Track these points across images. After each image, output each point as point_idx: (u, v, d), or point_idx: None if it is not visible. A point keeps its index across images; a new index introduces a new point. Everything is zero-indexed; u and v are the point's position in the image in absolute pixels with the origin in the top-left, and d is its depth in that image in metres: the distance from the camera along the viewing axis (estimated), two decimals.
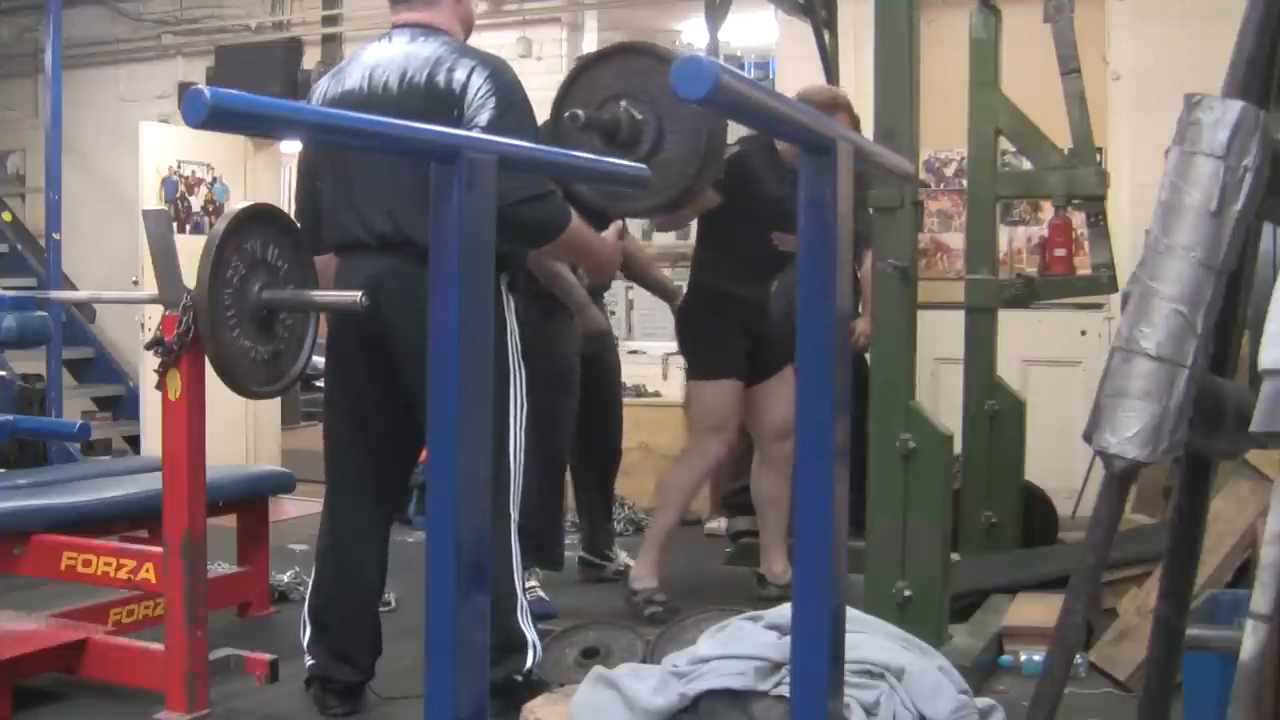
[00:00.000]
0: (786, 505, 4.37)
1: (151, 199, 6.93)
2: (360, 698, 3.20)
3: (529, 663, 3.01)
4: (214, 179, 7.41)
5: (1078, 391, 5.70)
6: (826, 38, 4.51)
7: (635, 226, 5.68)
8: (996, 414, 4.59)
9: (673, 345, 5.07)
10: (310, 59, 7.39)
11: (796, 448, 1.54)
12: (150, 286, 3.32)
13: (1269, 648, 1.44)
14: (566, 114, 3.22)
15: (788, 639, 1.97)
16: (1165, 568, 1.74)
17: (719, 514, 5.86)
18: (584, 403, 4.39)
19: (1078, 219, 4.87)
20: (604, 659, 3.18)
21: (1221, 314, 1.43)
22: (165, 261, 3.05)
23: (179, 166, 7.22)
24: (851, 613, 2.37)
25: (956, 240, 6.18)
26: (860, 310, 4.72)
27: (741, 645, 2.49)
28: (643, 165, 2.18)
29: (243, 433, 7.36)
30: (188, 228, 7.13)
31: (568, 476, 4.64)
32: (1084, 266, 4.88)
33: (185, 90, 1.89)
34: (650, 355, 6.92)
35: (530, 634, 3.02)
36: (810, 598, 1.53)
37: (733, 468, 5.82)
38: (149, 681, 3.15)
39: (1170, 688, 1.79)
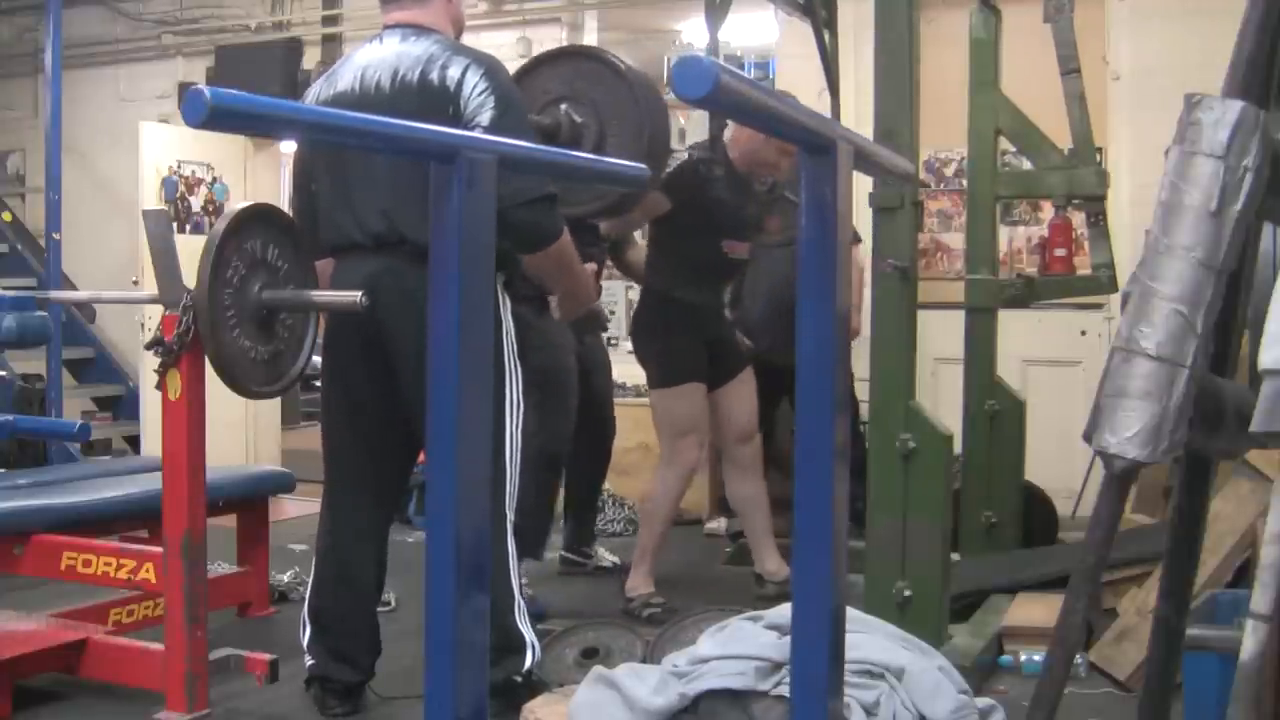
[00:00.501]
0: (765, 503, 4.42)
1: (151, 199, 6.93)
2: (360, 698, 3.20)
3: (528, 663, 3.01)
4: (214, 179, 7.41)
5: (1078, 391, 5.70)
6: (826, 38, 4.50)
7: None
8: (996, 414, 4.59)
9: None
10: (310, 59, 7.39)
11: (796, 447, 1.54)
12: (150, 286, 3.32)
13: (1269, 648, 1.44)
14: None
15: (788, 639, 1.97)
16: (1165, 568, 1.74)
17: (718, 514, 5.86)
18: (580, 402, 4.40)
19: (1078, 219, 4.87)
20: (604, 659, 3.18)
21: (1221, 314, 1.43)
22: (165, 261, 3.05)
23: (179, 166, 7.23)
24: (851, 613, 2.37)
25: (956, 240, 6.18)
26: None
27: (741, 645, 2.49)
28: (643, 165, 2.18)
29: (243, 433, 7.36)
30: (188, 228, 7.14)
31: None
32: (1084, 266, 4.88)
33: (185, 90, 1.89)
34: None
35: (529, 634, 3.02)
36: (810, 598, 1.53)
37: None
38: (149, 681, 3.15)
39: (1170, 688, 1.79)
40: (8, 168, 8.70)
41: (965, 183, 4.98)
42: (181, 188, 7.23)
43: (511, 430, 3.08)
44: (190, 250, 3.10)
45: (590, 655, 3.27)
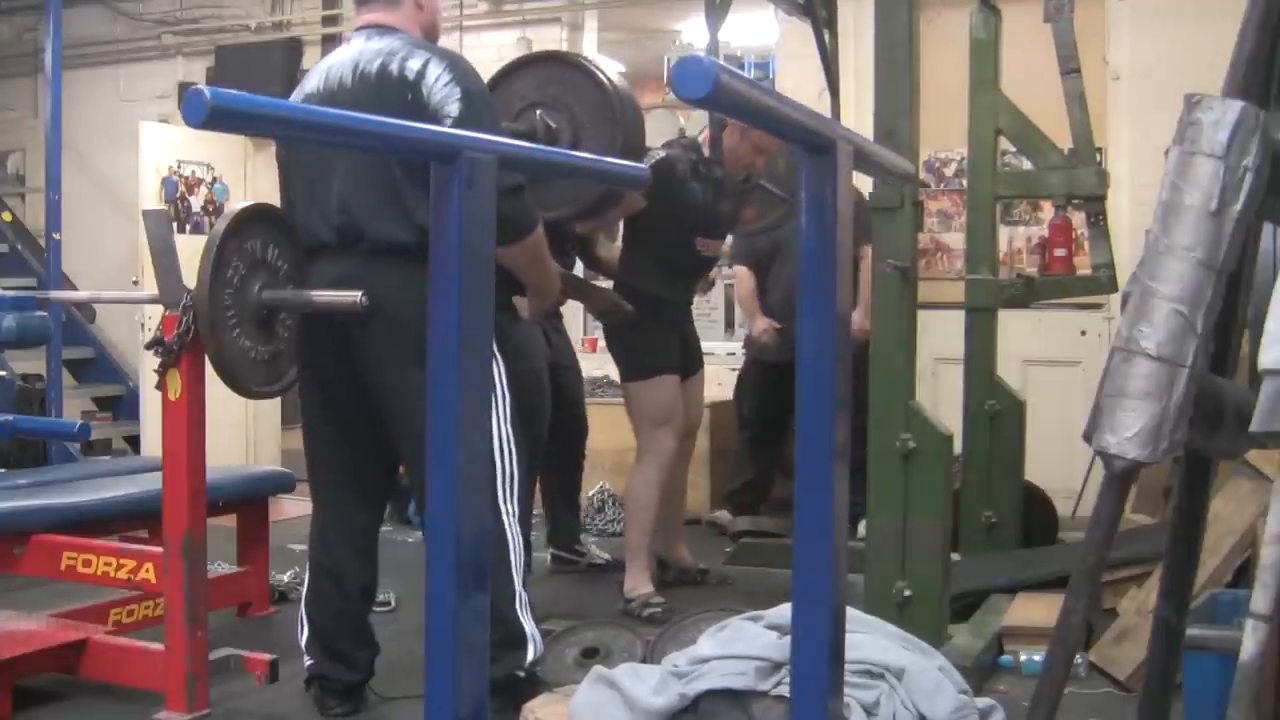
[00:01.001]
0: (684, 494, 4.71)
1: (151, 199, 6.93)
2: (360, 697, 3.20)
3: (530, 657, 3.00)
4: (214, 179, 7.41)
5: (1078, 391, 5.70)
6: (826, 38, 4.50)
7: None
8: (996, 414, 4.59)
9: None
10: (310, 59, 7.38)
11: (796, 447, 1.54)
12: (150, 286, 3.32)
13: (1269, 648, 1.44)
14: None
15: (788, 639, 1.97)
16: (1165, 568, 1.74)
17: (722, 506, 5.87)
18: (552, 404, 4.41)
19: (1078, 219, 4.87)
20: (604, 659, 3.18)
21: (1221, 314, 1.43)
22: (165, 261, 3.05)
23: (179, 166, 7.23)
24: (851, 613, 2.37)
25: (956, 240, 6.18)
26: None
27: (741, 645, 2.49)
28: (641, 165, 2.19)
29: (243, 433, 7.37)
30: (188, 228, 7.14)
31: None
32: (1084, 266, 4.88)
33: (185, 90, 1.89)
34: None
35: (529, 627, 3.01)
36: (810, 598, 1.53)
37: (736, 464, 5.86)
38: (149, 681, 3.15)
39: (1170, 688, 1.79)
40: (8, 168, 8.70)
41: (965, 183, 4.98)
42: (181, 188, 7.24)
43: (500, 423, 3.07)
44: (190, 250, 3.11)
45: (590, 655, 3.27)
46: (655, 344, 4.23)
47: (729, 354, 6.62)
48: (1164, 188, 1.41)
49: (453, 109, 2.91)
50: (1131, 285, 1.42)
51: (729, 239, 5.04)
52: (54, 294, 5.52)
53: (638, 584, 4.20)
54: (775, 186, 4.55)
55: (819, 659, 1.52)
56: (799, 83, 5.76)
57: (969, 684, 2.57)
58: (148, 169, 7.08)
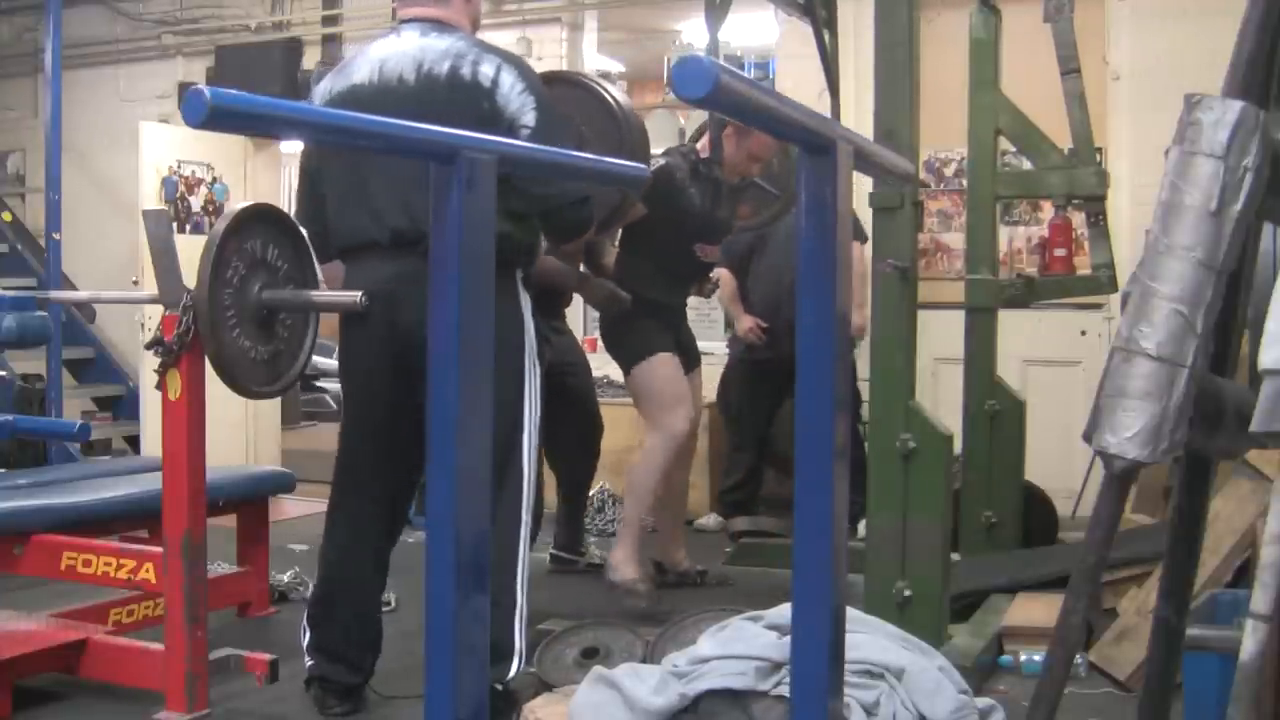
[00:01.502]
0: (684, 497, 4.68)
1: (151, 199, 6.93)
2: (360, 697, 3.20)
3: (512, 672, 2.99)
4: (214, 179, 7.41)
5: (1078, 391, 5.70)
6: (826, 38, 4.50)
7: None
8: (996, 414, 4.59)
9: None
10: (310, 59, 7.39)
11: (796, 447, 1.54)
12: (150, 286, 3.32)
13: (1269, 648, 1.44)
14: None
15: (788, 639, 1.98)
16: (1165, 568, 1.74)
17: (715, 511, 5.88)
18: (557, 403, 4.41)
19: (1078, 219, 4.87)
20: (604, 659, 3.18)
21: (1221, 314, 1.43)
22: (165, 261, 3.05)
23: (179, 166, 7.22)
24: (851, 613, 2.37)
25: (956, 240, 6.18)
26: None
27: (741, 645, 2.49)
28: (641, 166, 2.19)
29: (243, 433, 7.36)
30: (188, 228, 7.13)
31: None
32: (1084, 266, 4.88)
33: (185, 90, 1.89)
34: None
35: (519, 642, 3.01)
36: (810, 598, 1.53)
37: (726, 465, 5.88)
38: (149, 681, 3.15)
39: (1170, 688, 1.79)
40: (8, 168, 8.70)
41: (965, 183, 4.98)
42: (181, 188, 7.23)
43: (530, 432, 3.06)
44: (190, 250, 3.11)
45: (590, 655, 3.27)
46: (652, 330, 4.23)
47: (727, 350, 6.63)
48: (1164, 188, 1.41)
49: (529, 119, 2.92)
50: (1131, 285, 1.42)
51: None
52: (54, 294, 5.53)
53: (622, 565, 4.12)
54: (769, 184, 4.57)
55: (819, 659, 1.52)
56: (799, 83, 5.76)
57: (969, 684, 2.57)
58: (148, 169, 7.07)
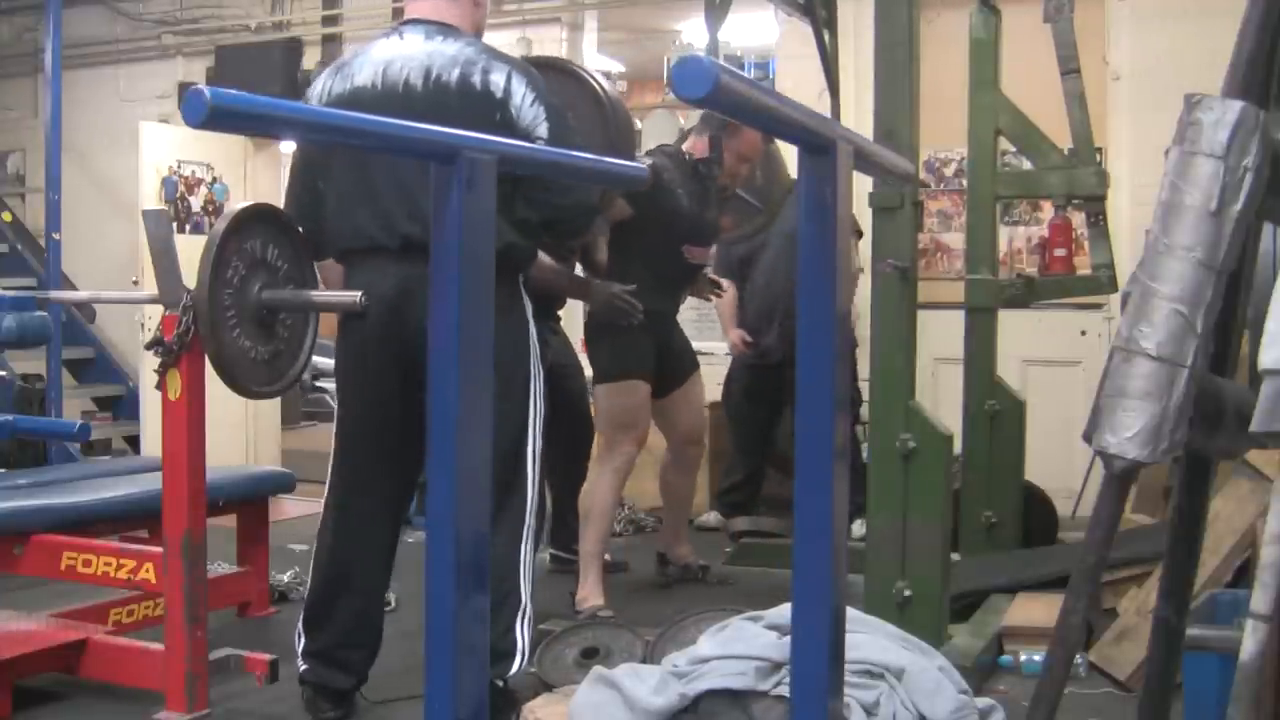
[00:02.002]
0: (692, 498, 4.74)
1: (151, 199, 6.93)
2: (352, 702, 3.17)
3: (513, 669, 2.99)
4: (214, 179, 7.41)
5: (1078, 391, 5.70)
6: (826, 38, 4.50)
7: None
8: (996, 414, 4.59)
9: None
10: (310, 59, 7.40)
11: (796, 447, 1.54)
12: (150, 286, 3.32)
13: (1269, 648, 1.44)
14: None
15: (788, 639, 1.98)
16: (1165, 568, 1.74)
17: (713, 508, 5.89)
18: (552, 404, 4.42)
19: (1078, 219, 4.87)
20: (604, 659, 3.18)
21: (1221, 314, 1.43)
22: (165, 261, 3.05)
23: (179, 166, 7.23)
24: (851, 613, 2.37)
25: (956, 240, 6.18)
26: None
27: (741, 645, 2.49)
28: (642, 165, 2.19)
29: (243, 433, 7.37)
30: (188, 228, 7.14)
31: None
32: (1084, 266, 4.88)
33: (185, 90, 1.89)
34: None
35: (522, 642, 3.00)
36: (810, 598, 1.53)
37: (727, 465, 5.88)
38: (149, 681, 3.15)
39: (1170, 688, 1.79)
40: (8, 168, 8.70)
41: (965, 183, 4.98)
42: (181, 188, 7.23)
43: (534, 436, 3.05)
44: (190, 250, 3.10)
45: (590, 655, 3.27)
46: (630, 348, 4.20)
47: (728, 354, 6.63)
48: (1164, 188, 1.41)
49: (542, 130, 2.92)
50: (1131, 285, 1.42)
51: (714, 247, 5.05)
52: (54, 294, 5.53)
53: (588, 594, 4.13)
54: (752, 197, 4.58)
55: (819, 659, 1.52)
56: (799, 83, 5.76)
57: (969, 684, 2.57)
58: (148, 169, 7.07)
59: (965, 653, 3.28)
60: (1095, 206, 4.55)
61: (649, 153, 4.38)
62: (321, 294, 3.11)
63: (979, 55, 4.57)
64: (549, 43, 7.01)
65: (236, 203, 4.68)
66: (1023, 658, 3.52)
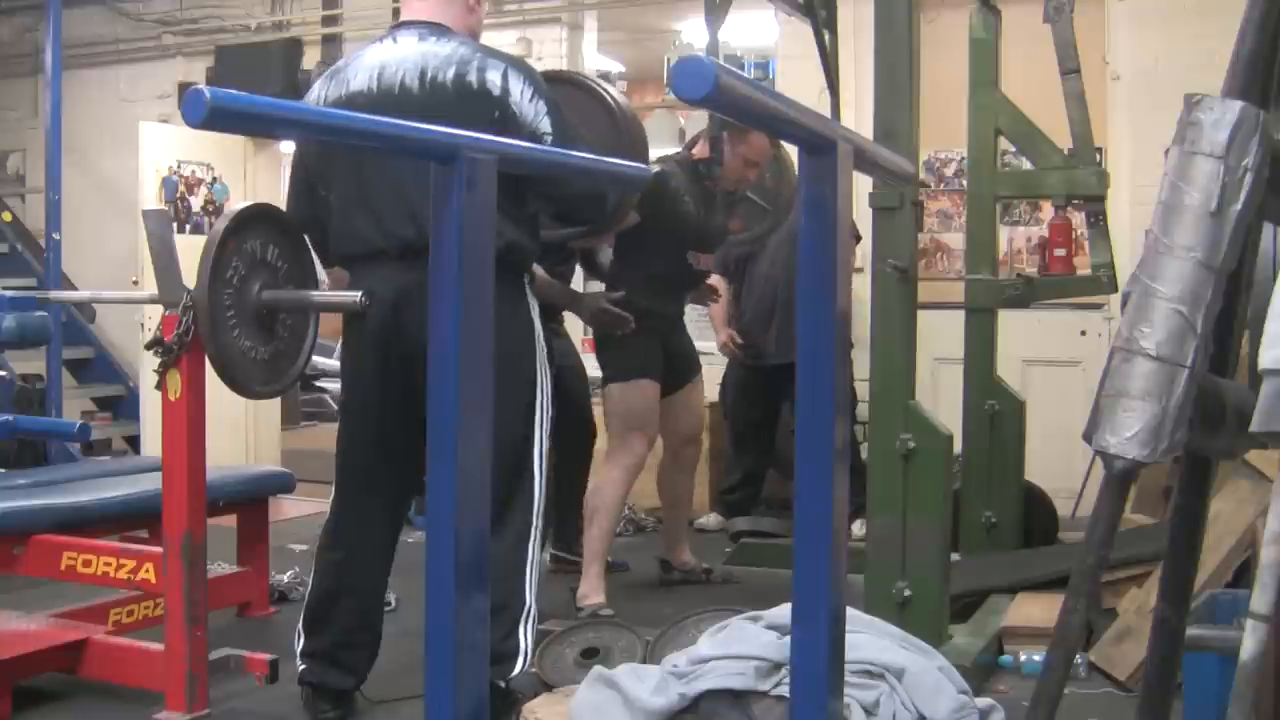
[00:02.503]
0: (689, 498, 4.75)
1: (151, 199, 6.92)
2: (352, 702, 3.16)
3: (515, 670, 2.98)
4: (214, 179, 7.41)
5: (1078, 391, 5.70)
6: (826, 38, 4.50)
7: None
8: (996, 414, 4.59)
9: None
10: (310, 59, 7.39)
11: (796, 448, 1.54)
12: (150, 286, 3.32)
13: (1269, 648, 1.44)
14: None
15: (788, 639, 1.98)
16: (1165, 568, 1.74)
17: (713, 509, 5.89)
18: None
19: (1078, 219, 4.87)
20: (604, 659, 3.18)
21: (1221, 314, 1.43)
22: (165, 261, 3.05)
23: (179, 166, 7.22)
24: (851, 613, 2.37)
25: (956, 240, 6.18)
26: None
27: (741, 645, 2.49)
28: (644, 165, 2.19)
29: (243, 433, 7.36)
30: (188, 228, 7.13)
31: None
32: (1084, 266, 4.88)
33: (185, 90, 1.89)
34: None
35: (525, 644, 3.00)
36: (810, 598, 1.53)
37: (727, 465, 5.88)
38: (149, 681, 3.15)
39: (1170, 688, 1.78)
40: (8, 168, 8.70)
41: (965, 183, 4.98)
42: (181, 188, 7.23)
43: (540, 437, 3.05)
44: (190, 250, 3.10)
45: (590, 655, 3.27)
46: (638, 349, 4.23)
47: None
48: (1164, 188, 1.41)
49: (545, 125, 2.91)
50: (1131, 285, 1.42)
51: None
52: (54, 294, 5.52)
53: (589, 592, 4.14)
54: (760, 198, 4.58)
55: (819, 659, 1.52)
56: (799, 83, 5.76)
57: (969, 684, 2.57)
58: (148, 169, 7.07)
59: (965, 653, 3.28)
60: (1095, 206, 4.55)
61: (657, 160, 4.39)
62: (321, 294, 3.11)
63: (979, 55, 4.57)
64: (549, 43, 7.02)
65: (236, 203, 4.68)
66: (1023, 658, 3.52)
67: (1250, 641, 1.41)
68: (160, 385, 3.06)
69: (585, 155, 2.21)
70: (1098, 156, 4.69)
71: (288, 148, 7.78)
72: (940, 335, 5.32)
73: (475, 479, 1.51)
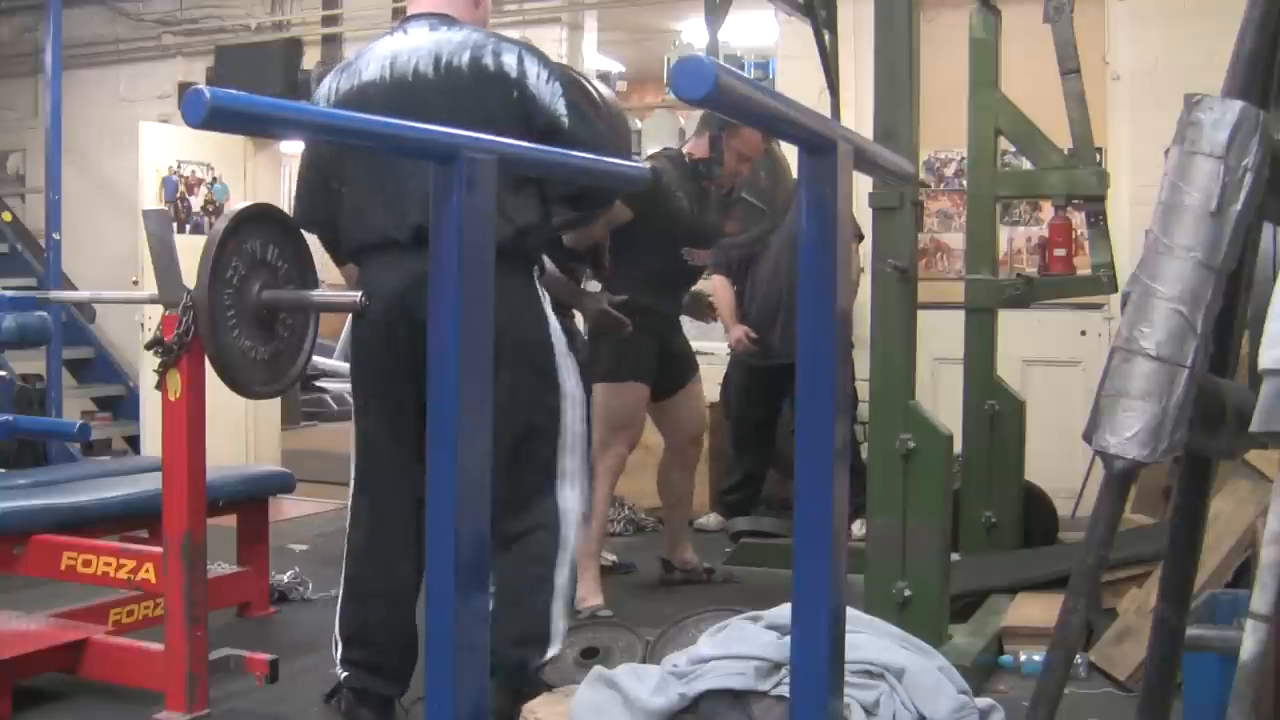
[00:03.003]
0: (689, 498, 4.77)
1: (151, 199, 6.92)
2: (392, 710, 3.04)
3: (548, 654, 2.94)
4: (214, 179, 7.41)
5: (1078, 391, 5.70)
6: (826, 38, 4.50)
7: None
8: (996, 414, 4.59)
9: None
10: (310, 59, 7.39)
11: (796, 448, 1.54)
12: (150, 286, 3.32)
13: (1269, 648, 1.44)
14: None
15: (788, 639, 1.98)
16: (1165, 568, 1.74)
17: (713, 509, 5.89)
18: None
19: (1078, 219, 4.87)
20: (604, 659, 3.18)
21: (1221, 314, 1.43)
22: (165, 261, 3.05)
23: (179, 166, 7.23)
24: (851, 613, 2.37)
25: (956, 240, 6.18)
26: None
27: (741, 645, 2.49)
28: (643, 165, 2.19)
29: (243, 433, 7.36)
30: (188, 228, 7.13)
31: None
32: (1084, 266, 4.88)
33: (185, 90, 1.89)
34: None
35: (560, 628, 2.96)
36: (810, 598, 1.53)
37: (727, 465, 5.88)
38: (149, 681, 3.15)
39: (1170, 688, 1.78)
40: (8, 168, 8.70)
41: (965, 183, 4.98)
42: (181, 188, 7.23)
43: (571, 427, 3.02)
44: (190, 250, 3.10)
45: (590, 655, 3.27)
46: (631, 350, 4.22)
47: (728, 354, 6.63)
48: (1164, 188, 1.41)
49: (561, 106, 2.91)
50: (1131, 285, 1.42)
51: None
52: (54, 294, 5.52)
53: (588, 594, 4.11)
54: (756, 199, 4.58)
55: (819, 659, 1.52)
56: (799, 83, 5.76)
57: (969, 684, 2.57)
58: (148, 169, 7.07)
59: (965, 653, 3.29)
60: (1095, 206, 4.55)
61: (650, 156, 4.39)
62: (321, 294, 3.11)
63: (979, 55, 4.57)
64: (549, 43, 7.01)
65: (236, 203, 4.68)
66: (1023, 658, 3.52)
67: (1250, 641, 1.41)
68: (160, 385, 3.06)
69: (587, 155, 2.21)
70: (1098, 156, 4.69)
71: (288, 148, 7.80)
72: (940, 335, 5.32)
73: (475, 479, 1.51)
